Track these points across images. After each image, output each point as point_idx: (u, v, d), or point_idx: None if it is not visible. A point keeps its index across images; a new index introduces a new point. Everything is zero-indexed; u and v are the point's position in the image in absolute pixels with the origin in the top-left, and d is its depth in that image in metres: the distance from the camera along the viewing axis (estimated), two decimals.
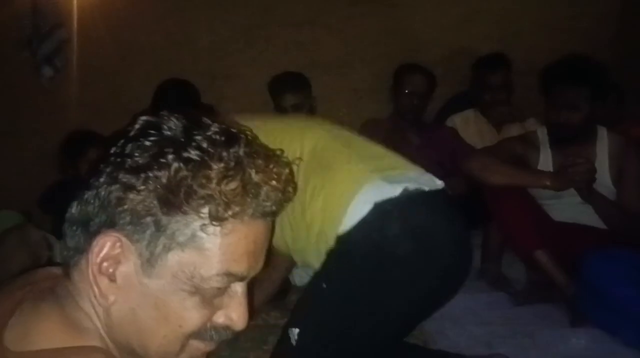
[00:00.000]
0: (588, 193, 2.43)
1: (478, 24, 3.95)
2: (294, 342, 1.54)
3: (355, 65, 3.98)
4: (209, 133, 0.76)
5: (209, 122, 0.78)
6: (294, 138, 1.70)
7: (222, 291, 0.78)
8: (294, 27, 3.93)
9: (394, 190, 1.55)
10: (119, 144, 0.76)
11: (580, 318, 2.27)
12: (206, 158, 0.73)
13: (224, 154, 0.74)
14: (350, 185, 1.58)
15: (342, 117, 3.52)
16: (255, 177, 0.75)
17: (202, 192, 0.72)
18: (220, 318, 0.80)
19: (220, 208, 0.73)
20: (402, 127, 3.26)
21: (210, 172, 0.73)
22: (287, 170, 0.80)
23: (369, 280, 1.54)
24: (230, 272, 0.76)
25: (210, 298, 0.77)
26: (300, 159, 1.60)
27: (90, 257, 0.75)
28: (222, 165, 0.73)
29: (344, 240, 1.56)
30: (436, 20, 3.95)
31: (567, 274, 2.37)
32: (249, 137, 0.79)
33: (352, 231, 1.54)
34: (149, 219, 0.73)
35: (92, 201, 0.75)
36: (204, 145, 0.74)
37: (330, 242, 1.58)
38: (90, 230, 0.75)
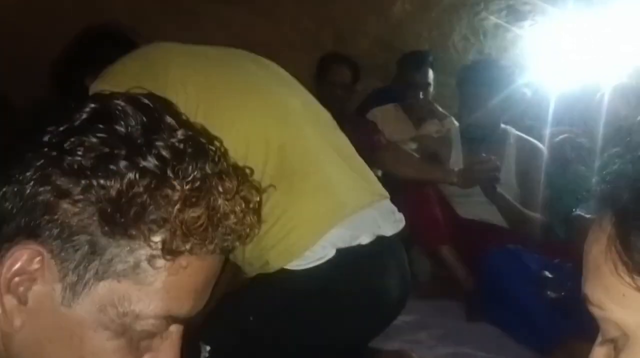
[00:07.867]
0: (492, 192, 2.50)
1: (409, 22, 3.99)
2: None
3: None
4: (173, 139, 0.61)
5: (174, 123, 0.62)
6: (256, 126, 1.44)
7: (154, 333, 0.64)
8: (225, 5, 3.85)
9: (359, 238, 1.44)
10: (55, 131, 0.60)
11: (476, 314, 2.32)
12: (168, 172, 0.59)
13: (190, 169, 0.60)
14: (316, 224, 1.42)
15: None
16: (222, 204, 0.61)
17: (157, 215, 0.59)
18: None
19: (177, 240, 0.59)
20: None
21: (171, 191, 0.59)
22: (256, 198, 0.66)
23: (304, 325, 1.44)
24: (171, 314, 0.63)
25: (138, 341, 0.63)
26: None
27: None
28: (186, 185, 0.59)
29: (290, 278, 1.40)
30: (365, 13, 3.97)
31: (469, 270, 2.43)
32: (219, 150, 0.65)
33: (304, 272, 1.39)
34: (83, 238, 0.59)
35: (11, 199, 0.59)
36: (166, 154, 0.60)
37: (272, 266, 1.42)
38: (3, 236, 0.60)
